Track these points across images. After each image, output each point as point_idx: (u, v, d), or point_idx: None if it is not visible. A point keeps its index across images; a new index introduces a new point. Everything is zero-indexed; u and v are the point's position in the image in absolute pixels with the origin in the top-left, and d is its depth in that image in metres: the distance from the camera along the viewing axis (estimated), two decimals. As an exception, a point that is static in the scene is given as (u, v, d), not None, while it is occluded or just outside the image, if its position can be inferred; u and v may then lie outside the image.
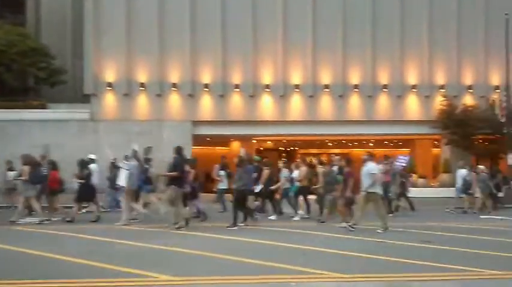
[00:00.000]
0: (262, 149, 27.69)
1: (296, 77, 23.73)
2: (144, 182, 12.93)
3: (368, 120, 24.10)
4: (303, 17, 23.53)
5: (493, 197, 17.17)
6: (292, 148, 30.39)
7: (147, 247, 9.08)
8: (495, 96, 23.36)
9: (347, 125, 24.14)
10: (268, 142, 28.67)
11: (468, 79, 24.15)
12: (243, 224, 12.07)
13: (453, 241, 10.06)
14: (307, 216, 14.10)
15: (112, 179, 14.35)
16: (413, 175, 23.43)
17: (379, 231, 11.17)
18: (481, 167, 17.51)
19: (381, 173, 12.56)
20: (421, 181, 23.82)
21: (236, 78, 23.47)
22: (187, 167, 11.94)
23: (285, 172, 14.64)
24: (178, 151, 11.78)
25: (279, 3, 23.48)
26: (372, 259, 8.26)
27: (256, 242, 9.75)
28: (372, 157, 11.91)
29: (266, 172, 14.08)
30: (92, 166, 14.08)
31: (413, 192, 17.17)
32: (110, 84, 22.83)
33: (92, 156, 15.36)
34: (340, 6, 23.64)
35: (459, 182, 17.10)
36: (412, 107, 24.27)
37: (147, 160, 13.68)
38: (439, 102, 23.83)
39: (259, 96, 23.67)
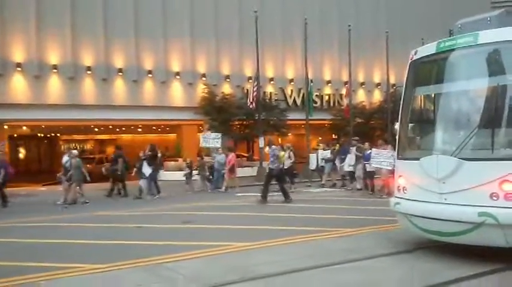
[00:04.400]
0: (16, 135, 24.77)
1: (54, 57, 21.85)
2: None
3: (134, 105, 23.92)
4: None
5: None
6: (53, 134, 28.10)
7: None
8: (248, 86, 26.11)
9: (112, 110, 23.53)
10: (24, 128, 25.77)
11: (226, 69, 26.30)
12: None
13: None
14: None
15: None
16: (179, 159, 24.55)
17: None
18: (75, 152, 15.88)
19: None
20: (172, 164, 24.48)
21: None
22: None
23: None
24: None
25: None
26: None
27: None
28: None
29: None
30: None
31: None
32: None
33: None
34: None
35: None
36: (177, 93, 25.14)
37: None
38: (201, 90, 25.30)
39: (9, 76, 20.97)
